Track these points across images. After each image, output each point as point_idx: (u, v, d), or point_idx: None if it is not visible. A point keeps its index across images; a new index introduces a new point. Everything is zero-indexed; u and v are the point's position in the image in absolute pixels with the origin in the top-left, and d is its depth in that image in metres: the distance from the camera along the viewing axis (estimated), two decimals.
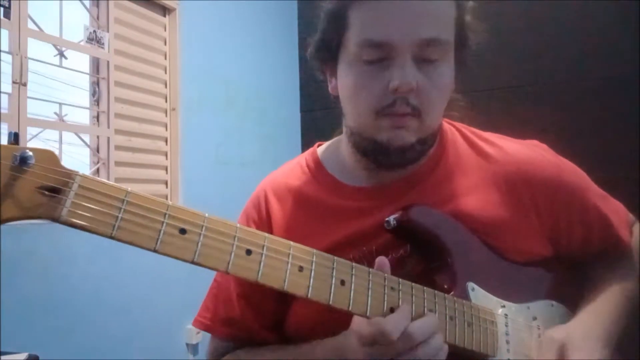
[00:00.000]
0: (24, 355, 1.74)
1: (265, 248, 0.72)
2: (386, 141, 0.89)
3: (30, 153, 0.57)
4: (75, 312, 2.42)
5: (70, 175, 0.60)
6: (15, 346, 1.81)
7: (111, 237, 0.60)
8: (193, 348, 3.04)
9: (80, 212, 0.60)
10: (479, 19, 0.97)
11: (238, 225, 0.71)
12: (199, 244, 0.66)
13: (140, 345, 2.71)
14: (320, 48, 0.98)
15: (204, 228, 0.67)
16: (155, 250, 0.62)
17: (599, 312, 0.95)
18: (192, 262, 0.66)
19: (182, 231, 0.65)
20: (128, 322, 2.66)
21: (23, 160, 0.56)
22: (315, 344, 0.91)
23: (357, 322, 0.78)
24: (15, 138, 0.56)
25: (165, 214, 0.64)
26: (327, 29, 0.95)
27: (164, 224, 0.64)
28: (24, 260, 2.22)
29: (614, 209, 1.04)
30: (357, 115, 0.93)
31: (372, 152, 0.93)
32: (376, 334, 0.74)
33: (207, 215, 0.68)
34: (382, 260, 0.81)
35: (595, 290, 0.99)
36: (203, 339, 3.03)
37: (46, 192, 0.58)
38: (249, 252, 0.70)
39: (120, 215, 0.61)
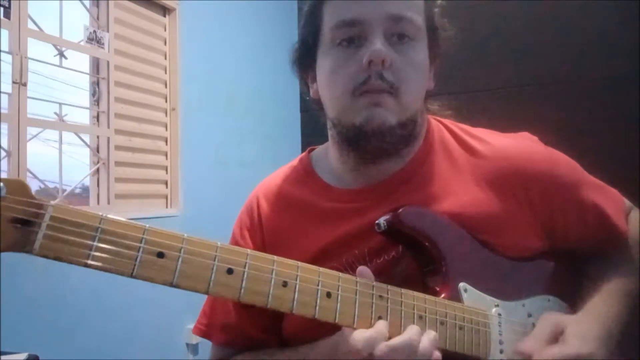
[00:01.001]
0: (24, 355, 1.75)
1: (247, 265, 0.71)
2: (365, 121, 0.90)
3: (1, 184, 0.56)
4: (75, 312, 2.42)
5: (42, 206, 0.60)
6: (15, 346, 1.82)
7: (86, 266, 0.60)
8: (193, 348, 3.04)
9: (53, 243, 0.59)
10: (447, 18, 1.01)
11: (218, 244, 0.70)
12: (177, 267, 0.66)
13: (140, 345, 2.71)
14: (300, 53, 1.01)
15: (182, 250, 0.67)
16: (132, 276, 0.62)
17: (598, 312, 0.94)
18: (172, 286, 0.65)
19: (160, 255, 0.65)
20: (128, 322, 2.67)
21: None
22: (310, 347, 0.91)
23: (345, 333, 0.78)
24: None
25: (141, 238, 0.64)
26: (304, 28, 0.99)
27: (141, 249, 0.64)
28: (24, 260, 2.21)
29: (610, 199, 1.03)
30: (335, 100, 0.94)
31: (353, 139, 0.93)
32: (346, 348, 0.75)
33: (185, 236, 0.67)
34: (363, 271, 0.81)
35: (594, 289, 0.98)
36: (203, 339, 3.03)
37: (18, 225, 0.57)
38: (230, 271, 0.70)
39: (95, 244, 0.61)
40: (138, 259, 0.63)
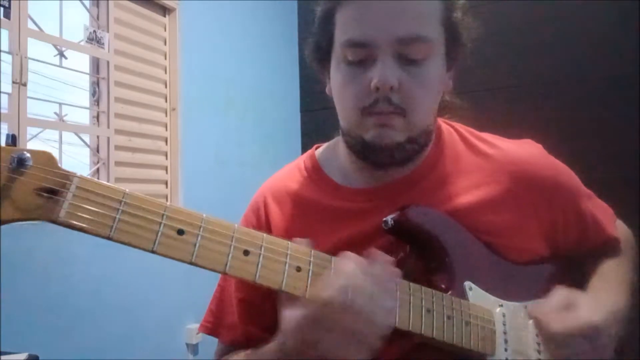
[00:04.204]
0: (24, 355, 1.74)
1: (262, 248, 0.72)
2: (373, 140, 0.90)
3: (28, 155, 0.57)
4: (75, 312, 2.41)
5: (68, 176, 0.61)
6: (15, 346, 1.81)
7: (109, 238, 0.60)
8: (193, 348, 3.03)
9: (78, 213, 0.60)
10: (471, 16, 0.98)
11: (236, 225, 0.71)
12: (197, 244, 0.67)
13: (140, 345, 2.70)
14: (315, 50, 1.00)
15: (201, 229, 0.67)
16: (153, 251, 0.63)
17: (603, 291, 0.98)
18: (190, 263, 0.66)
19: (180, 232, 0.66)
20: (128, 322, 2.66)
21: (21, 162, 0.56)
22: (266, 348, 0.87)
23: (292, 327, 0.76)
24: (12, 140, 0.57)
25: (163, 214, 0.65)
26: (319, 30, 0.97)
27: (162, 225, 0.64)
28: (24, 260, 2.22)
29: (602, 208, 1.08)
30: (344, 114, 0.94)
31: (361, 151, 0.94)
32: (322, 309, 0.72)
33: (204, 216, 0.68)
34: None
35: (593, 275, 1.02)
36: (203, 339, 3.03)
37: (44, 194, 0.58)
38: (246, 252, 0.71)
39: (118, 217, 0.62)
40: (159, 234, 0.64)
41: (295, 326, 0.75)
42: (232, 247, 0.69)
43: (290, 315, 0.76)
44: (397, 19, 0.87)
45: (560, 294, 0.91)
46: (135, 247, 0.61)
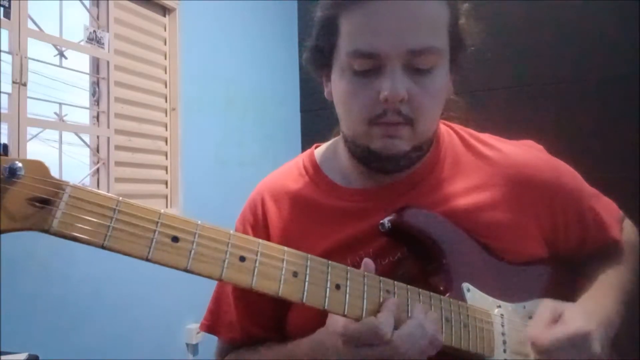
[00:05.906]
0: (24, 355, 1.74)
1: (259, 254, 0.72)
2: (379, 150, 0.90)
3: (20, 164, 0.57)
4: (75, 312, 2.41)
5: (60, 185, 0.60)
6: (15, 346, 1.81)
7: (102, 247, 0.60)
8: (193, 348, 3.03)
9: (70, 222, 0.60)
10: (475, 20, 0.96)
11: (231, 231, 0.71)
12: (192, 251, 0.66)
13: (140, 345, 2.71)
14: (315, 54, 0.98)
15: (196, 235, 0.67)
16: (147, 259, 0.62)
17: (595, 299, 0.97)
18: (185, 270, 0.66)
19: (175, 239, 0.65)
20: (128, 322, 2.66)
21: (12, 171, 0.56)
22: (298, 342, 0.91)
23: (342, 324, 0.78)
24: (4, 149, 0.56)
25: (157, 222, 0.64)
26: (319, 35, 0.95)
27: (156, 233, 0.64)
28: (24, 260, 2.22)
29: (606, 208, 1.06)
30: (350, 123, 0.93)
31: (366, 159, 0.93)
32: (369, 333, 0.75)
33: (199, 222, 0.68)
34: (368, 262, 0.82)
35: (590, 282, 1.01)
36: (203, 339, 3.03)
37: (37, 204, 0.58)
38: (242, 258, 0.70)
39: (111, 225, 0.61)
40: (153, 242, 0.64)
41: (339, 339, 0.78)
42: (227, 253, 0.69)
43: (336, 329, 0.79)
44: (408, 30, 0.84)
45: (546, 306, 0.91)
46: (129, 255, 0.61)
